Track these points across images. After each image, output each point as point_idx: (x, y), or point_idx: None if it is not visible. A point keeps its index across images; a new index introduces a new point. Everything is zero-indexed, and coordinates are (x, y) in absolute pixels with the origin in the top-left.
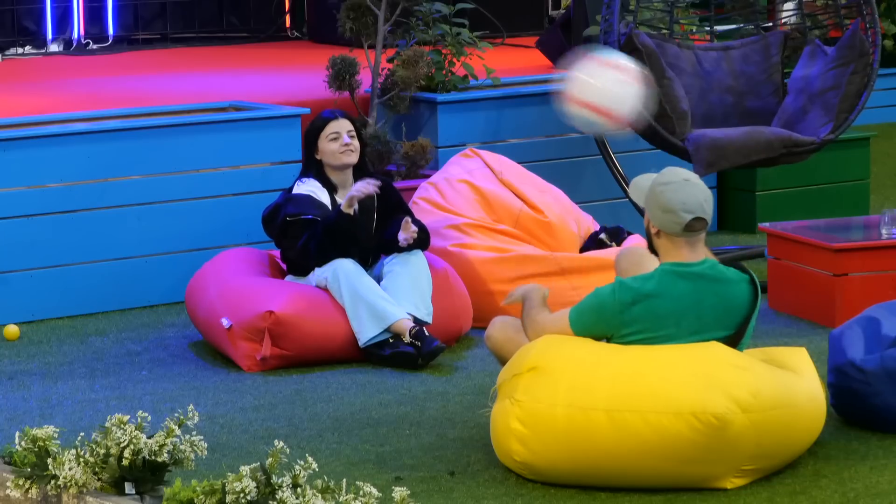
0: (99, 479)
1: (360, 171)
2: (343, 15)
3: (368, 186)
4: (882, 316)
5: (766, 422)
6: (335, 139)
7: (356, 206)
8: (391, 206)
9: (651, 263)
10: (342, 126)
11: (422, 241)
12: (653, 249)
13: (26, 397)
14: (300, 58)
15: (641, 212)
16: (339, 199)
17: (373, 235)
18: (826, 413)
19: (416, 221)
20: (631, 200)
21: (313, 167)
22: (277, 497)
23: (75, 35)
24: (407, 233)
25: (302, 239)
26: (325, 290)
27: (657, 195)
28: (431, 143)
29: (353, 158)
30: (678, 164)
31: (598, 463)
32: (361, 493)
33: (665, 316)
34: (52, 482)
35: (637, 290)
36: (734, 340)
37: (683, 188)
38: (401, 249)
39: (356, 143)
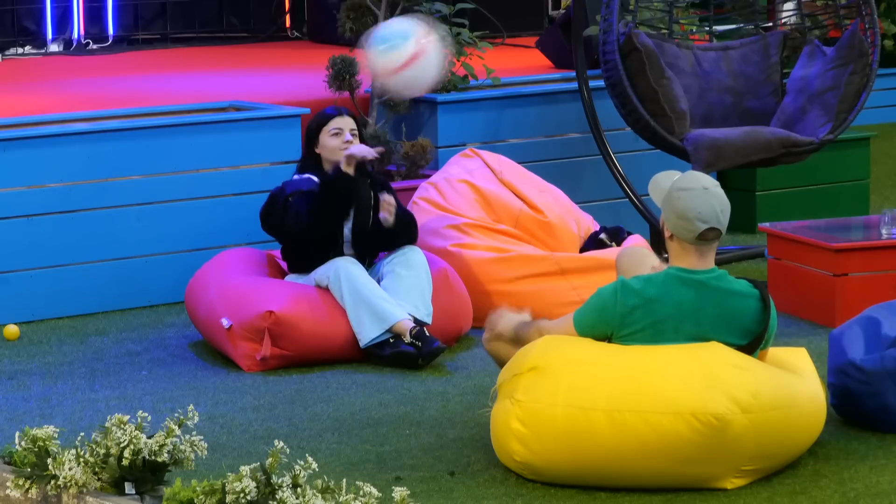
0: (99, 479)
1: (358, 171)
2: (343, 15)
3: (369, 151)
4: (882, 316)
5: (766, 422)
6: (337, 135)
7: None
8: None
9: (653, 263)
10: (345, 123)
11: (407, 224)
12: (662, 246)
13: (26, 397)
14: (300, 58)
15: (646, 213)
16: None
17: (369, 229)
18: (826, 413)
19: (403, 211)
20: (635, 200)
21: (311, 161)
22: (277, 497)
23: (75, 35)
24: (385, 210)
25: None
26: (326, 289)
27: (674, 200)
28: (431, 143)
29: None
30: (677, 165)
31: (598, 463)
32: (361, 493)
33: (664, 320)
34: (52, 482)
35: (639, 293)
36: (744, 352)
37: (701, 197)
38: (393, 244)
39: (357, 142)
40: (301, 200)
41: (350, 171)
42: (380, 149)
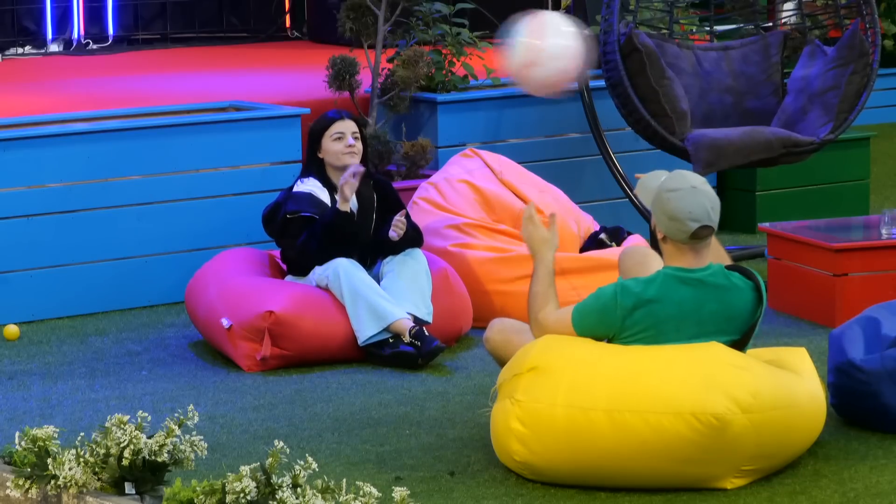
0: (99, 479)
1: (363, 183)
2: (343, 15)
3: (353, 176)
4: (882, 316)
5: (766, 422)
6: (339, 139)
7: (354, 206)
8: (389, 206)
9: (655, 262)
10: (347, 127)
11: (413, 238)
12: (657, 248)
13: (26, 397)
14: (300, 58)
15: (645, 214)
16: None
17: (371, 235)
18: (826, 413)
19: (408, 221)
20: (635, 200)
21: (314, 165)
22: (277, 497)
23: (75, 35)
24: (395, 229)
25: (301, 237)
26: (326, 289)
27: (664, 202)
28: (431, 143)
29: (355, 161)
30: (678, 165)
31: (598, 463)
32: (361, 493)
33: (666, 321)
34: (52, 482)
35: (639, 294)
36: (737, 346)
37: (690, 196)
38: (395, 251)
39: (359, 145)
40: (312, 241)
41: (347, 208)
42: (360, 168)
